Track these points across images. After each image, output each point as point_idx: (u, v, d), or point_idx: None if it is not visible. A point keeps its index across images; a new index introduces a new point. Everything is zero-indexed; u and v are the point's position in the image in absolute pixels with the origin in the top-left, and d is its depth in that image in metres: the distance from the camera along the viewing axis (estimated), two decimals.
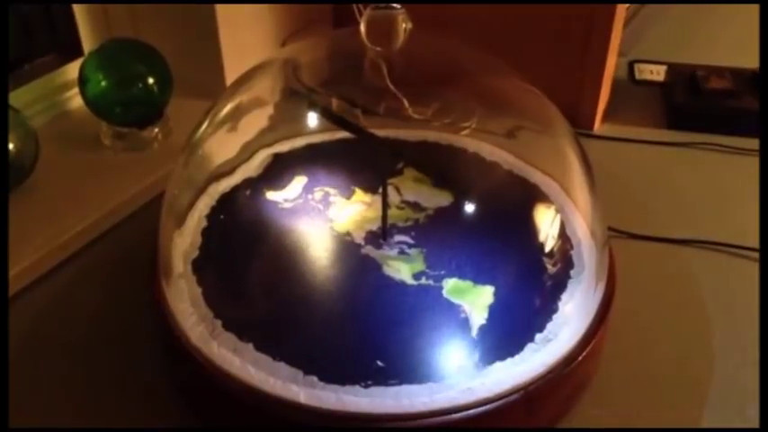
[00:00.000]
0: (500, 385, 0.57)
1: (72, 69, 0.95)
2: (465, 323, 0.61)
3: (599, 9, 0.95)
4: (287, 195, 0.76)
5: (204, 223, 0.72)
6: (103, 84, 0.88)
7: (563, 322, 0.62)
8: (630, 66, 1.16)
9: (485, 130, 0.83)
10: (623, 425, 0.63)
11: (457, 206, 0.74)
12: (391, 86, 0.71)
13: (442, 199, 0.75)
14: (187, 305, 0.63)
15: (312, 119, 0.80)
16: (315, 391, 0.56)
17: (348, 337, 0.61)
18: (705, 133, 1.00)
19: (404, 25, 0.65)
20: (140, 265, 0.71)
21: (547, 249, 0.68)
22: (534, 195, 0.76)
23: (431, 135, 0.85)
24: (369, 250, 0.69)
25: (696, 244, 0.82)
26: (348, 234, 0.71)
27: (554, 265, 0.67)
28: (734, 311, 0.73)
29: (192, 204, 0.73)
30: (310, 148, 0.83)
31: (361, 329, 0.61)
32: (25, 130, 0.82)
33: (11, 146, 0.79)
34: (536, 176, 0.78)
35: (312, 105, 0.75)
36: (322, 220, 0.73)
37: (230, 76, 0.97)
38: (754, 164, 0.95)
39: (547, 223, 0.72)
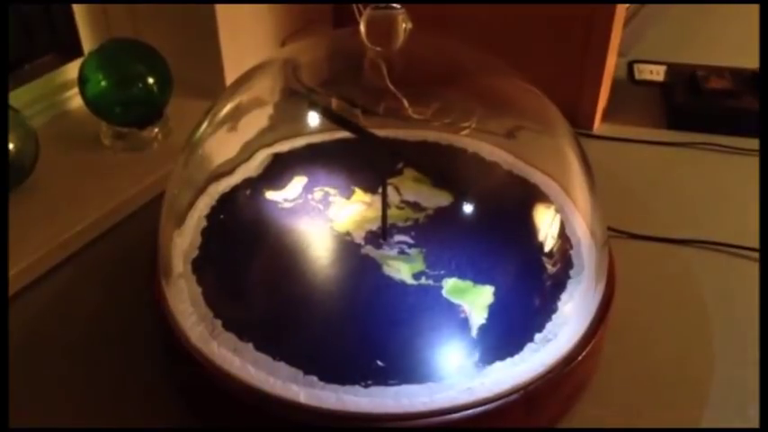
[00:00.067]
0: (500, 385, 0.57)
1: (72, 69, 0.95)
2: (465, 323, 0.61)
3: (599, 9, 0.95)
4: (287, 195, 0.76)
5: (204, 223, 0.72)
6: (103, 84, 0.88)
7: (563, 322, 0.62)
8: (630, 66, 1.16)
9: (485, 130, 0.83)
10: (623, 425, 0.63)
11: (457, 206, 0.74)
12: (391, 86, 0.71)
13: (442, 199, 0.75)
14: (187, 305, 0.63)
15: (312, 119, 0.80)
16: (315, 391, 0.56)
17: (348, 336, 0.61)
18: (705, 133, 1.00)
19: (404, 25, 0.65)
20: (140, 265, 0.71)
21: (546, 249, 0.68)
22: (534, 195, 0.76)
23: (431, 135, 0.85)
24: (369, 250, 0.69)
25: (696, 244, 0.82)
26: (348, 234, 0.71)
27: (554, 264, 0.67)
28: (734, 311, 0.73)
29: (191, 204, 0.73)
30: (310, 147, 0.83)
31: (361, 329, 0.61)
32: (25, 129, 0.82)
33: (11, 146, 0.79)
34: (536, 176, 0.78)
35: (313, 105, 0.75)
36: (322, 219, 0.73)
37: (230, 76, 0.97)
38: (754, 164, 0.95)
39: (546, 223, 0.72)
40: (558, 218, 0.72)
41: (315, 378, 0.57)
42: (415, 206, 0.74)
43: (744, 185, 0.91)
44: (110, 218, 0.83)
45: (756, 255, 0.80)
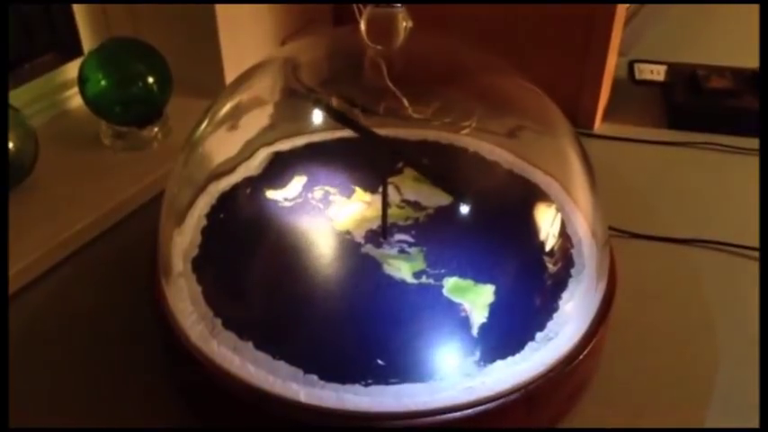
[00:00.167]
0: (500, 384, 0.57)
1: (72, 69, 0.95)
2: (465, 322, 0.61)
3: (599, 9, 0.95)
4: (287, 194, 0.76)
5: (204, 222, 0.72)
6: (103, 83, 0.88)
7: (564, 321, 0.62)
8: (631, 65, 1.16)
9: (485, 129, 0.82)
10: (625, 425, 0.63)
11: (457, 205, 0.74)
12: (391, 85, 0.71)
13: (442, 198, 0.75)
14: (187, 304, 0.63)
15: (312, 117, 0.80)
16: (315, 390, 0.56)
17: (348, 335, 0.61)
18: (705, 133, 1.00)
19: (404, 23, 0.65)
20: (140, 264, 0.71)
21: (547, 248, 0.68)
22: (534, 194, 0.76)
23: (431, 134, 0.85)
24: (369, 249, 0.69)
25: (697, 243, 0.82)
26: (348, 233, 0.71)
27: (555, 263, 0.67)
28: (735, 310, 0.73)
29: (191, 203, 0.73)
30: (311, 147, 0.83)
31: (362, 328, 0.61)
32: (25, 129, 0.82)
33: (10, 145, 0.79)
34: (536, 175, 0.78)
35: (317, 102, 0.74)
36: (322, 218, 0.73)
37: (230, 76, 0.97)
38: (754, 163, 0.95)
39: (547, 222, 0.72)
40: (558, 217, 0.71)
41: (315, 377, 0.57)
42: (416, 205, 0.74)
43: (744, 185, 0.91)
44: (109, 217, 0.83)
45: (757, 254, 0.80)
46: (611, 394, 0.65)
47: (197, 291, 0.65)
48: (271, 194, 0.76)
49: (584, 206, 0.73)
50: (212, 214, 0.73)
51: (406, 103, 0.77)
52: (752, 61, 1.09)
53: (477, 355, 0.59)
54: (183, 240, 0.70)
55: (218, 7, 0.94)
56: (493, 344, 0.60)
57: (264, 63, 0.74)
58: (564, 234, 0.71)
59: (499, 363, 0.58)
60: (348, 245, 0.69)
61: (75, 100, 0.96)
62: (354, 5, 0.67)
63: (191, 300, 0.64)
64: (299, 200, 0.75)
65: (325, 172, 0.78)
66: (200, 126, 0.70)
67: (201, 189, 0.75)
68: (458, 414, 0.55)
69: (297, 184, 0.77)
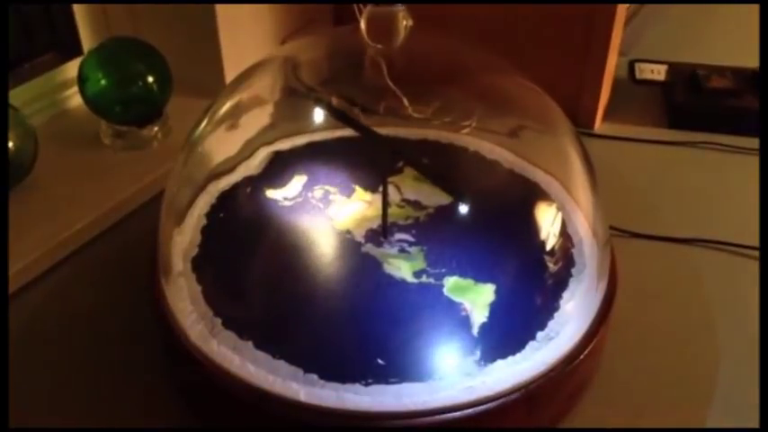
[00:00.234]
0: (501, 384, 0.57)
1: (71, 68, 0.94)
2: (466, 321, 0.61)
3: (599, 9, 0.94)
4: (287, 194, 0.75)
5: (204, 221, 0.72)
6: (103, 82, 0.87)
7: (564, 320, 0.62)
8: (631, 65, 1.16)
9: (485, 128, 0.82)
10: (626, 425, 0.63)
11: (457, 205, 0.74)
12: (391, 84, 0.71)
13: (443, 197, 0.74)
14: (187, 303, 0.63)
15: (313, 117, 0.80)
16: (315, 390, 0.56)
17: (348, 335, 0.61)
18: (706, 132, 1.00)
19: (404, 22, 0.65)
20: (140, 264, 0.71)
21: (548, 248, 0.68)
22: (535, 194, 0.75)
23: (431, 133, 0.85)
24: (369, 248, 0.69)
25: (698, 243, 0.82)
26: (348, 232, 0.71)
27: (555, 263, 0.67)
28: (736, 310, 0.73)
29: (191, 202, 0.73)
30: (311, 146, 0.83)
31: (362, 328, 0.61)
32: (24, 128, 0.82)
33: (10, 144, 0.79)
34: (537, 175, 0.78)
35: (318, 101, 0.74)
36: (322, 218, 0.72)
37: (230, 75, 0.97)
38: (755, 163, 0.94)
39: (548, 221, 0.71)
40: (559, 216, 0.71)
41: (315, 376, 0.56)
42: (416, 204, 0.74)
43: (745, 184, 0.91)
44: (109, 216, 0.82)
45: (758, 253, 0.79)
46: (611, 394, 0.65)
47: (197, 290, 0.64)
48: (271, 194, 0.75)
49: (584, 205, 0.72)
50: (212, 214, 0.73)
51: (406, 102, 0.77)
52: (752, 61, 1.08)
53: (478, 354, 0.59)
54: (183, 240, 0.70)
55: (219, 7, 0.94)
56: (493, 343, 0.60)
57: (264, 62, 0.74)
58: (565, 233, 0.71)
59: (500, 362, 0.58)
60: (348, 244, 0.69)
61: (74, 99, 0.96)
62: (355, 6, 0.67)
63: (190, 299, 0.64)
64: (299, 199, 0.75)
65: (325, 171, 0.78)
66: (200, 125, 0.70)
67: (201, 188, 0.75)
68: (458, 414, 0.55)
69: (297, 183, 0.77)
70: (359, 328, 0.61)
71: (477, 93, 0.76)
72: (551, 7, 0.96)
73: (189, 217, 0.72)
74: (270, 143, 0.81)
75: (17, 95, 0.90)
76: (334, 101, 0.78)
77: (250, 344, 0.59)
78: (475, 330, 0.60)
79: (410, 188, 0.76)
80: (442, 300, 0.63)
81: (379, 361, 0.58)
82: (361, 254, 0.68)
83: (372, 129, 0.68)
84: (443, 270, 0.66)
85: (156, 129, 0.92)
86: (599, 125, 1.03)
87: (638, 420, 0.63)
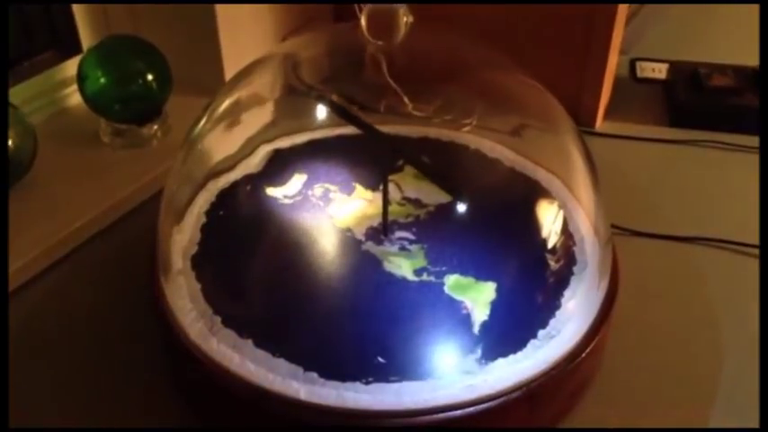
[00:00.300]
0: (502, 382, 0.56)
1: (71, 66, 0.94)
2: (467, 319, 0.61)
3: (600, 8, 0.94)
4: (287, 191, 0.75)
5: (203, 219, 0.72)
6: (102, 80, 0.87)
7: (566, 319, 0.62)
8: (632, 64, 1.16)
9: (486, 126, 0.82)
10: (627, 424, 0.62)
11: (458, 203, 0.73)
12: (391, 82, 0.70)
13: (443, 195, 0.74)
14: (186, 301, 0.63)
15: (313, 114, 0.79)
16: (315, 388, 0.55)
17: (349, 333, 0.60)
18: (707, 131, 1.00)
19: (405, 19, 0.65)
20: (139, 262, 0.70)
21: (549, 246, 0.68)
22: (536, 192, 0.75)
23: (432, 131, 0.84)
24: (369, 246, 0.68)
25: (699, 241, 0.81)
26: (349, 230, 0.70)
27: (557, 261, 0.67)
28: (738, 308, 0.73)
29: (191, 201, 0.73)
30: (311, 144, 0.82)
31: (362, 326, 0.61)
32: (24, 126, 0.82)
33: (9, 142, 0.79)
34: (538, 173, 0.78)
35: (320, 98, 0.74)
36: (322, 216, 0.72)
37: (230, 73, 0.96)
38: (756, 161, 0.94)
39: (549, 219, 0.71)
40: (561, 214, 0.71)
41: (315, 375, 0.56)
42: (417, 203, 0.74)
43: (746, 183, 0.91)
44: (109, 215, 0.82)
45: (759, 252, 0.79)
46: (613, 392, 0.65)
47: (196, 288, 0.64)
48: (271, 192, 0.75)
49: (586, 204, 0.72)
50: (212, 212, 0.73)
51: (406, 100, 0.77)
52: (754, 59, 1.08)
53: (479, 352, 0.58)
54: (183, 238, 0.69)
55: (219, 5, 0.94)
56: (494, 341, 0.59)
57: (264, 59, 0.74)
58: (566, 232, 0.70)
59: (501, 360, 0.58)
60: (349, 242, 0.69)
61: (74, 97, 0.96)
62: (356, 6, 0.67)
63: (190, 297, 0.63)
64: (300, 197, 0.74)
65: (325, 169, 0.78)
66: (200, 123, 0.69)
67: (201, 186, 0.74)
68: (459, 412, 0.55)
69: (297, 181, 0.76)
70: (359, 326, 0.61)
71: (478, 90, 0.76)
72: (551, 7, 0.96)
73: (188, 215, 0.72)
74: (270, 141, 0.81)
75: (16, 93, 0.89)
76: (334, 99, 0.77)
77: (250, 342, 0.59)
78: (476, 329, 0.60)
79: (411, 186, 0.76)
80: (443, 298, 0.63)
81: (380, 359, 0.57)
82: (361, 252, 0.68)
83: (373, 126, 0.68)
84: (444, 268, 0.65)
85: (155, 127, 0.91)
86: (600, 124, 1.03)
87: (640, 419, 0.63)
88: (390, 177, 0.74)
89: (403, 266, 0.66)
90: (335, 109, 0.74)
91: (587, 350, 0.60)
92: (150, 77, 0.89)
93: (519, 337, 0.60)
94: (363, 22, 0.65)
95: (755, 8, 1.27)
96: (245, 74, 0.72)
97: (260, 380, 0.56)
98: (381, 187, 0.68)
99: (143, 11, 0.99)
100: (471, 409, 0.55)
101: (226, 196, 0.75)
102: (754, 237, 0.80)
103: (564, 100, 0.71)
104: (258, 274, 0.67)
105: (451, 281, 0.64)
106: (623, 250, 0.71)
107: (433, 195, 0.74)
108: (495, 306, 0.62)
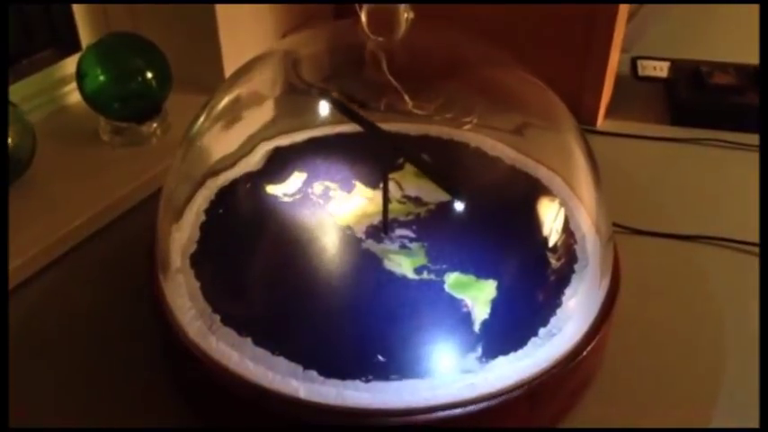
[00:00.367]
0: (503, 380, 0.56)
1: (70, 64, 0.94)
2: (467, 318, 0.61)
3: (600, 8, 0.94)
4: (287, 189, 0.75)
5: (203, 217, 0.71)
6: (102, 78, 0.87)
7: (567, 317, 0.61)
8: (633, 62, 1.16)
9: (487, 124, 0.82)
10: (629, 423, 0.62)
11: (459, 201, 0.73)
12: (391, 79, 0.70)
13: (444, 194, 0.74)
14: (185, 300, 0.62)
15: (313, 112, 0.79)
16: (315, 386, 0.55)
17: (349, 331, 0.60)
18: (709, 129, 0.99)
19: (405, 15, 0.65)
20: (138, 261, 0.70)
21: (550, 244, 0.67)
22: (537, 190, 0.75)
23: (432, 129, 0.84)
24: (369, 244, 0.68)
25: (701, 239, 0.81)
26: (349, 228, 0.70)
27: (558, 259, 0.66)
28: (740, 307, 0.72)
29: (190, 198, 0.72)
30: (311, 142, 0.82)
31: (362, 324, 0.60)
32: (23, 124, 0.81)
33: (8, 140, 0.78)
34: (539, 171, 0.77)
35: (322, 94, 0.74)
36: (322, 214, 0.72)
37: (230, 71, 0.96)
38: (757, 159, 0.94)
39: (550, 218, 0.71)
40: (562, 212, 0.71)
41: (315, 373, 0.56)
42: (417, 201, 0.73)
43: (748, 181, 0.91)
44: (108, 213, 0.82)
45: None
46: (614, 391, 0.64)
47: (195, 287, 0.64)
48: (270, 190, 0.75)
49: (587, 202, 0.72)
50: (211, 210, 0.72)
51: (406, 98, 0.77)
52: (756, 57, 1.08)
53: (479, 351, 0.58)
54: (182, 236, 0.69)
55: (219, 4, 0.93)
56: (495, 340, 0.59)
57: (264, 56, 0.73)
58: (567, 230, 0.70)
59: (501, 359, 0.58)
60: (349, 240, 0.69)
61: (73, 95, 0.96)
62: (357, 6, 0.67)
63: (189, 296, 0.63)
64: (299, 195, 0.74)
65: (325, 167, 0.77)
66: (198, 121, 0.69)
67: (200, 184, 0.74)
68: (459, 411, 0.54)
69: (297, 179, 0.76)
70: (359, 324, 0.60)
71: (479, 88, 0.75)
72: (552, 7, 0.96)
73: (187, 213, 0.71)
74: (269, 139, 0.81)
75: (15, 91, 0.89)
76: (335, 96, 0.77)
77: (249, 340, 0.58)
78: (476, 327, 0.60)
79: (411, 184, 0.75)
80: (443, 296, 0.63)
81: (380, 357, 0.57)
82: (361, 250, 0.67)
83: (374, 123, 0.68)
84: (444, 266, 0.65)
85: (155, 125, 0.91)
86: (601, 122, 1.03)
87: (642, 418, 0.62)
88: (391, 175, 0.74)
89: (403, 264, 0.65)
90: (337, 106, 0.73)
91: (588, 348, 0.59)
92: (150, 75, 0.88)
93: (520, 336, 0.59)
94: (363, 17, 0.64)
95: (756, 6, 1.27)
96: (244, 71, 0.71)
97: (259, 378, 0.56)
98: (381, 185, 0.68)
99: (143, 8, 0.98)
100: (472, 407, 0.55)
101: (225, 194, 0.74)
102: (755, 235, 0.80)
103: (565, 98, 0.71)
104: (258, 272, 0.66)
105: (452, 279, 0.64)
106: (624, 248, 0.71)
107: (434, 193, 0.74)
108: (495, 304, 0.62)
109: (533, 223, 0.69)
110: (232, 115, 0.73)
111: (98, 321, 0.71)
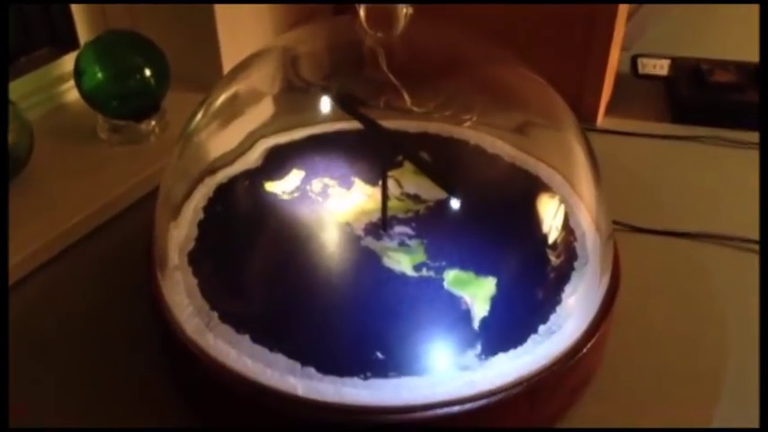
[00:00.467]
0: (502, 378, 0.56)
1: (68, 62, 0.94)
2: (467, 315, 0.60)
3: (601, 8, 0.94)
4: (285, 187, 0.74)
5: (201, 215, 0.71)
6: (99, 76, 0.87)
7: (567, 314, 0.61)
8: (633, 60, 1.15)
9: (487, 122, 0.81)
10: (629, 422, 0.62)
11: (458, 198, 0.73)
12: (390, 76, 0.70)
13: (443, 191, 0.73)
14: (183, 297, 0.62)
15: (312, 109, 0.79)
16: (313, 383, 0.55)
17: (347, 328, 0.59)
18: (709, 127, 0.99)
19: (404, 10, 0.64)
20: (136, 258, 0.70)
21: (550, 241, 0.67)
22: (537, 187, 0.74)
23: (432, 127, 0.83)
24: (368, 242, 0.68)
25: (701, 237, 0.81)
26: (347, 225, 0.70)
27: (557, 256, 0.66)
28: (741, 305, 0.72)
29: (187, 196, 0.72)
30: (310, 139, 0.82)
31: (361, 321, 0.60)
32: (21, 122, 0.81)
33: None
34: (539, 168, 0.77)
35: (323, 90, 0.73)
36: (321, 211, 0.71)
37: (228, 69, 0.96)
38: (758, 157, 0.93)
39: (550, 215, 0.70)
40: (562, 209, 0.70)
41: (313, 370, 0.55)
42: (416, 198, 0.73)
43: (748, 179, 0.90)
44: (106, 211, 0.82)
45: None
46: (614, 389, 0.64)
47: (193, 284, 0.64)
48: (269, 187, 0.74)
49: (587, 199, 0.71)
50: (209, 207, 0.72)
51: (406, 95, 0.76)
52: (756, 55, 1.07)
53: (478, 348, 0.58)
54: (180, 233, 0.69)
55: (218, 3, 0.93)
56: (494, 337, 0.58)
57: (262, 52, 0.73)
58: (567, 227, 0.69)
59: (501, 356, 0.57)
60: (347, 237, 0.68)
61: (71, 93, 0.95)
62: (357, 6, 0.66)
63: (186, 293, 0.63)
64: (298, 193, 0.74)
65: (324, 164, 0.77)
66: (196, 118, 0.69)
67: (198, 182, 0.74)
68: (458, 408, 0.54)
69: (295, 176, 0.76)
70: (358, 321, 0.60)
71: (479, 85, 0.75)
72: (552, 7, 0.95)
73: (185, 210, 0.71)
74: (268, 136, 0.80)
75: (13, 89, 0.89)
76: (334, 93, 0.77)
77: (247, 337, 0.58)
78: (476, 324, 0.59)
79: (410, 181, 0.75)
80: (443, 293, 0.62)
81: (379, 355, 0.57)
82: (360, 247, 0.67)
83: (374, 120, 0.67)
84: (444, 263, 0.65)
85: (153, 123, 0.91)
86: (601, 120, 1.02)
87: (642, 416, 0.62)
88: (390, 173, 0.73)
89: (402, 262, 0.65)
90: (338, 102, 0.73)
91: (588, 346, 0.59)
92: (148, 73, 0.88)
93: (519, 333, 0.59)
94: (362, 13, 0.64)
95: (756, 4, 1.26)
96: (242, 67, 0.71)
97: (257, 375, 0.56)
98: (380, 182, 0.68)
99: (141, 6, 0.98)
100: (471, 404, 0.54)
101: (223, 192, 0.74)
102: (755, 233, 0.80)
103: (565, 97, 0.71)
104: (256, 269, 0.66)
105: (451, 276, 0.63)
106: (624, 246, 0.70)
107: (433, 191, 0.73)
108: (495, 301, 0.61)
109: (533, 220, 0.69)
110: (230, 112, 0.73)
111: (96, 319, 0.71)
